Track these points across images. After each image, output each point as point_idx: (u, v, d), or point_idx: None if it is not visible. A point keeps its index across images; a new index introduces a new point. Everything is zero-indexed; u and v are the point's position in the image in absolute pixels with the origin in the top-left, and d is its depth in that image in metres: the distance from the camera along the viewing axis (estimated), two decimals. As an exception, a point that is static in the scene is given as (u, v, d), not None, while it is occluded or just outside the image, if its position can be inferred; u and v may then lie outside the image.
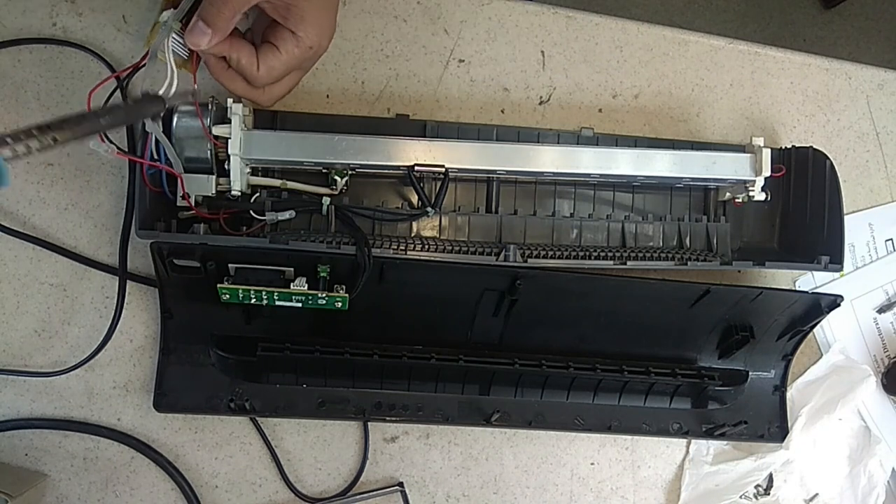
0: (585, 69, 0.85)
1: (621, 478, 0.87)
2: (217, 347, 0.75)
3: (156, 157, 0.69)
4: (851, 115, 0.92)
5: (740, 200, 0.81)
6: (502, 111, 0.83)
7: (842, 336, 0.92)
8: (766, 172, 0.79)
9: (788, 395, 0.88)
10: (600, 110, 0.86)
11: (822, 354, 0.91)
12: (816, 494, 0.90)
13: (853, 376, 0.89)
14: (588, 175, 0.77)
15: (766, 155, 0.78)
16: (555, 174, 0.76)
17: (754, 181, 0.79)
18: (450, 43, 0.82)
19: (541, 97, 0.84)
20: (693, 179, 0.79)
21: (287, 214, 0.72)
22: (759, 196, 0.79)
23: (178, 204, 0.70)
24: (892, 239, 0.93)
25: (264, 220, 0.72)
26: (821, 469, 0.90)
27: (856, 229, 0.92)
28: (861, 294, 0.93)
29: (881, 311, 0.93)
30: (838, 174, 0.80)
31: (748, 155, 0.79)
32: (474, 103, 0.82)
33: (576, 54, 0.85)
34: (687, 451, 0.88)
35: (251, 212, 0.72)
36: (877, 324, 0.94)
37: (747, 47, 0.89)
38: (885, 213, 0.93)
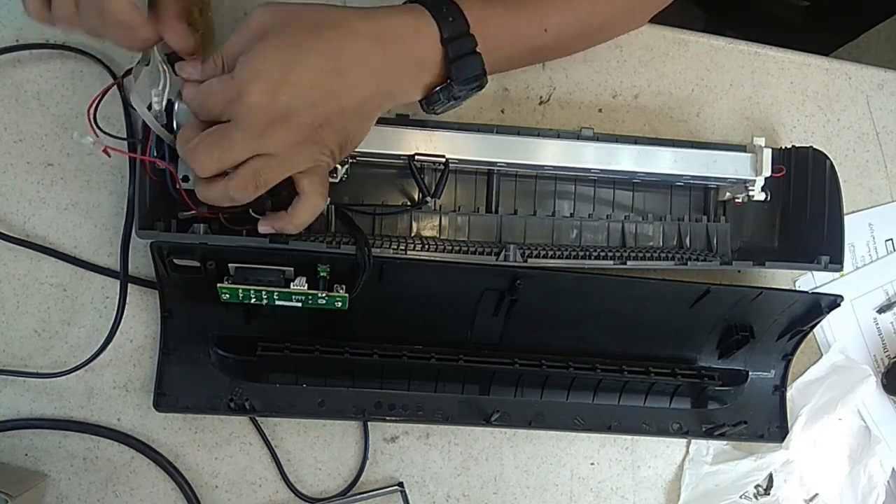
0: (585, 69, 0.85)
1: (621, 478, 0.87)
2: (217, 347, 0.75)
3: (156, 153, 0.68)
4: (851, 115, 0.92)
5: (740, 200, 0.81)
6: (502, 111, 0.83)
7: (842, 336, 0.92)
8: (767, 172, 0.79)
9: (788, 394, 0.88)
10: (600, 110, 0.85)
11: (822, 354, 0.91)
12: (816, 494, 0.90)
13: (853, 376, 0.89)
14: (589, 170, 0.77)
15: (767, 155, 0.79)
16: (555, 168, 0.76)
17: (754, 181, 0.79)
18: (450, 43, 0.82)
19: (541, 97, 0.84)
20: (693, 178, 0.79)
21: None
22: (759, 196, 0.80)
23: (181, 186, 0.69)
24: (892, 239, 0.93)
25: None
26: (821, 469, 0.90)
27: (856, 229, 0.92)
28: (861, 294, 0.93)
29: (881, 311, 0.93)
30: (838, 174, 0.81)
31: (749, 154, 0.79)
32: (474, 103, 0.82)
33: (576, 54, 0.84)
34: (687, 451, 0.88)
35: (250, 210, 0.72)
36: (877, 324, 0.94)
37: (747, 47, 0.89)
38: (885, 213, 0.93)
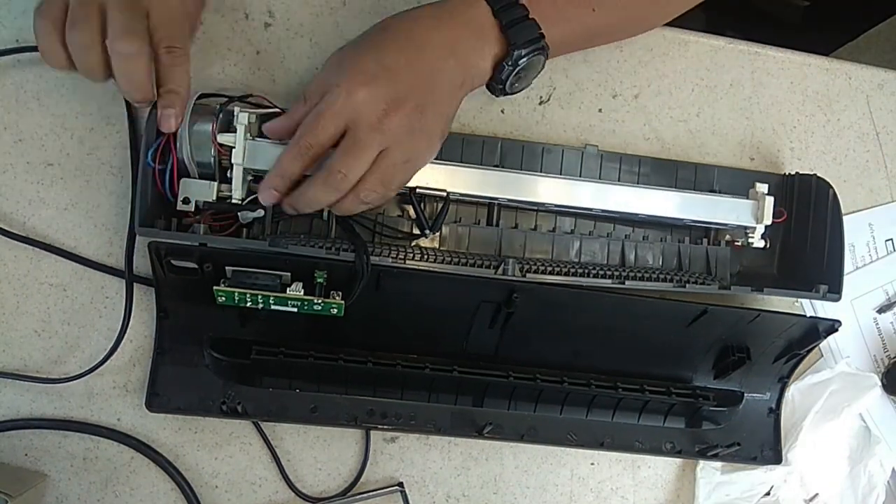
0: (585, 69, 0.85)
1: (621, 478, 0.87)
2: (211, 349, 0.75)
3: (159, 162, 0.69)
4: (851, 115, 0.91)
5: (740, 244, 0.82)
6: (502, 111, 0.83)
7: (842, 336, 0.92)
8: (768, 220, 0.79)
9: (789, 395, 0.88)
10: (600, 110, 0.85)
11: (822, 355, 0.91)
12: (816, 494, 0.90)
13: (858, 383, 0.89)
14: (590, 209, 0.77)
15: (769, 203, 0.79)
16: (556, 206, 0.77)
17: (755, 228, 0.80)
18: (449, 43, 0.82)
19: (541, 97, 0.84)
20: (694, 221, 0.80)
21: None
22: (759, 243, 0.80)
23: (179, 208, 0.70)
24: (892, 239, 0.93)
25: (252, 216, 0.72)
26: (821, 469, 0.90)
27: (856, 229, 0.92)
28: (861, 294, 0.93)
29: (881, 311, 0.93)
30: (840, 203, 0.81)
31: (750, 201, 0.79)
32: (474, 103, 0.82)
33: (576, 54, 0.84)
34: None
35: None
36: (877, 324, 0.93)
37: (747, 47, 0.89)
38: (885, 213, 0.92)
